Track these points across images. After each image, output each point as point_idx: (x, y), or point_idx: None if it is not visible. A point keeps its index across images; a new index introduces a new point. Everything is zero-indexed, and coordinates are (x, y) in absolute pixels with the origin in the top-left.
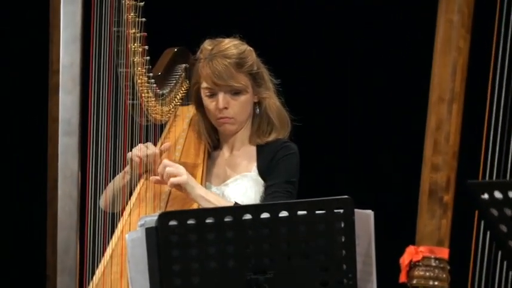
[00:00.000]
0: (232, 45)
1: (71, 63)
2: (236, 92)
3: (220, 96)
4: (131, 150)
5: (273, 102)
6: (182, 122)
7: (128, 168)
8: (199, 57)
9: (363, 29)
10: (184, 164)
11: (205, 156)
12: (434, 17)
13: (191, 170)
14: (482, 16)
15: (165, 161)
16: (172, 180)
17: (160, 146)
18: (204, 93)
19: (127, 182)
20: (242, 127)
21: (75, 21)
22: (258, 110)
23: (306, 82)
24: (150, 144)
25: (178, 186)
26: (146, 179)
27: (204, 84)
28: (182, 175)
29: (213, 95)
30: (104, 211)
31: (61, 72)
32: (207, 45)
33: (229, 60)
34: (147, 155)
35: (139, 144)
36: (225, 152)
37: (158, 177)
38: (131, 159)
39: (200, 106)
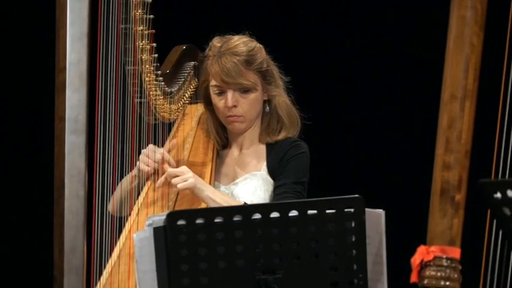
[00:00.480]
0: (241, 43)
1: (77, 61)
2: (245, 90)
3: (229, 94)
4: (139, 150)
5: (282, 100)
6: (191, 120)
7: (135, 171)
8: (208, 54)
9: (374, 25)
10: (192, 163)
11: (214, 155)
12: (447, 14)
13: (200, 169)
14: (496, 12)
15: (169, 171)
16: (180, 186)
17: (169, 144)
18: (212, 91)
19: (135, 186)
20: (251, 125)
21: (82, 18)
22: (267, 108)
23: (315, 80)
24: (157, 149)
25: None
26: (154, 180)
27: (212, 82)
28: (188, 179)
29: (221, 93)
30: (112, 215)
31: (68, 69)
32: (216, 42)
33: (238, 57)
34: (155, 161)
35: (148, 147)
36: (234, 151)
37: (163, 180)
38: (138, 169)
39: (209, 104)
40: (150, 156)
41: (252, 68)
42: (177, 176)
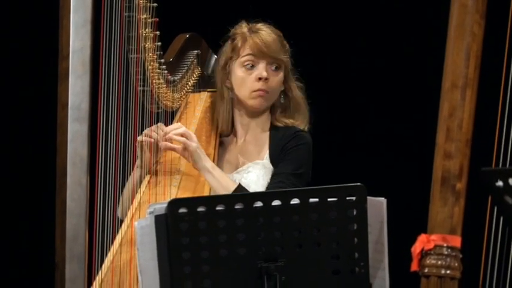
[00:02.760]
0: (271, 28)
1: (81, 48)
2: (277, 67)
3: (262, 65)
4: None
5: (299, 92)
6: (193, 109)
7: (138, 162)
8: (237, 32)
9: (375, 14)
10: None
11: (217, 144)
12: (448, 2)
13: None
14: (497, 1)
15: (180, 127)
16: (182, 139)
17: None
18: (242, 65)
19: (138, 178)
20: (269, 108)
21: (85, 5)
22: (282, 98)
23: (316, 69)
24: (161, 125)
25: (186, 153)
26: (156, 171)
27: (246, 53)
28: (193, 143)
29: (252, 66)
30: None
31: (71, 56)
32: (244, 24)
33: (274, 35)
34: (160, 133)
35: (150, 127)
36: (237, 138)
37: (168, 143)
38: (141, 143)
39: (227, 83)
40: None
41: (284, 50)
42: (185, 136)
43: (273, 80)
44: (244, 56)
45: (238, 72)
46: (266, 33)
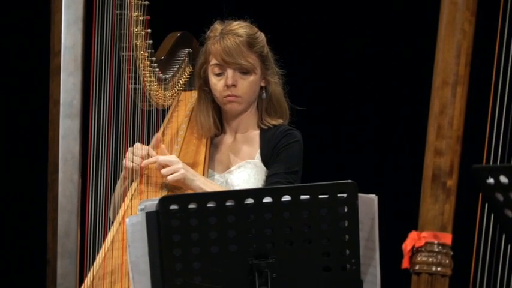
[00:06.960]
0: (244, 25)
1: (72, 44)
2: (245, 72)
3: (230, 72)
4: (133, 136)
5: (278, 88)
6: (185, 107)
7: (124, 172)
8: (209, 35)
9: (367, 13)
10: (186, 151)
11: (208, 142)
12: (439, 0)
13: (193, 156)
14: None
15: (160, 160)
16: (170, 178)
17: (163, 131)
18: (212, 71)
19: (127, 186)
20: (248, 109)
21: (77, 1)
22: (264, 94)
23: (308, 67)
24: (143, 146)
25: (177, 181)
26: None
27: (213, 62)
28: (179, 170)
29: (221, 73)
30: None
31: (63, 53)
32: (218, 25)
33: (240, 38)
34: (143, 157)
35: (134, 145)
36: (228, 137)
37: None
38: (125, 168)
39: (206, 86)
40: (135, 153)
41: (253, 50)
42: (167, 165)
43: (242, 85)
44: (212, 64)
45: (211, 78)
46: (232, 38)
